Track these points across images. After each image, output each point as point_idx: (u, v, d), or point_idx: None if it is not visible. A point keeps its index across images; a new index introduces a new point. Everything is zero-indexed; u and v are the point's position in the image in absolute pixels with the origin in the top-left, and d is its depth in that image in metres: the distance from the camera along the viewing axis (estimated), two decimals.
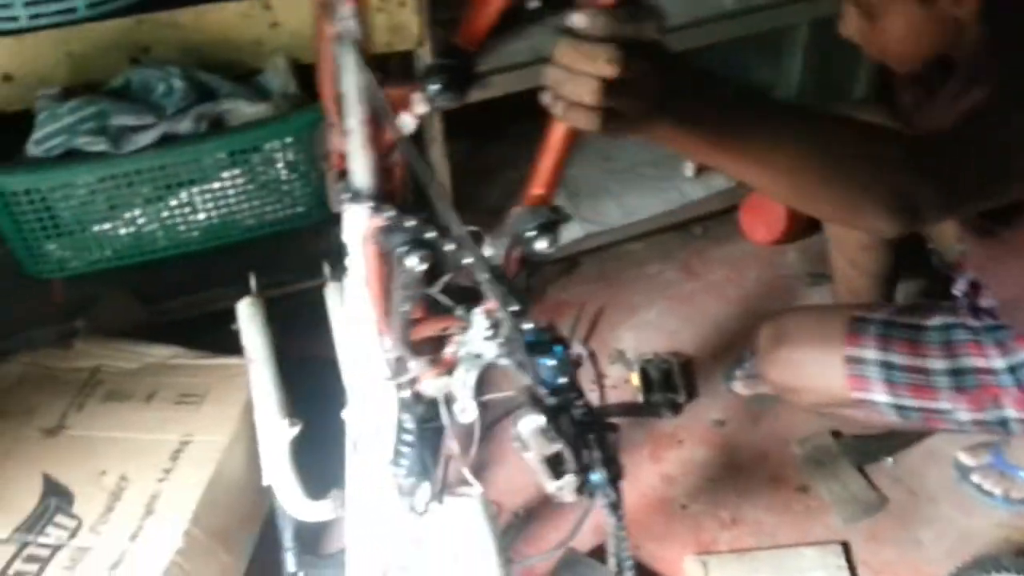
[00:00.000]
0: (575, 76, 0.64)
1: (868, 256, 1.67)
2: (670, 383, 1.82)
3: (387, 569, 1.16)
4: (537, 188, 0.75)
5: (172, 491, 1.38)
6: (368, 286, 0.81)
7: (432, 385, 0.90)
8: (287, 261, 1.92)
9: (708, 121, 0.71)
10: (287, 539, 1.44)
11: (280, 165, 1.71)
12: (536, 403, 0.73)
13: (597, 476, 0.77)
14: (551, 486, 0.79)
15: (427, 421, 0.99)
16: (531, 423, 0.74)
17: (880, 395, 1.34)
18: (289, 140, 1.68)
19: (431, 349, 0.90)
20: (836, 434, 1.72)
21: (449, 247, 0.72)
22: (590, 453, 0.76)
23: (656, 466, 1.70)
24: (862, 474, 1.65)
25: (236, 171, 1.68)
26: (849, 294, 1.74)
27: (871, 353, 1.34)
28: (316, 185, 1.75)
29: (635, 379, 1.82)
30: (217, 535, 1.38)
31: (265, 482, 1.41)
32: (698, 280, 2.16)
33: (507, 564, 0.95)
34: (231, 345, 1.63)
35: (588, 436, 0.75)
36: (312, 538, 1.51)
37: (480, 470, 1.20)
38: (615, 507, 0.80)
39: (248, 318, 1.63)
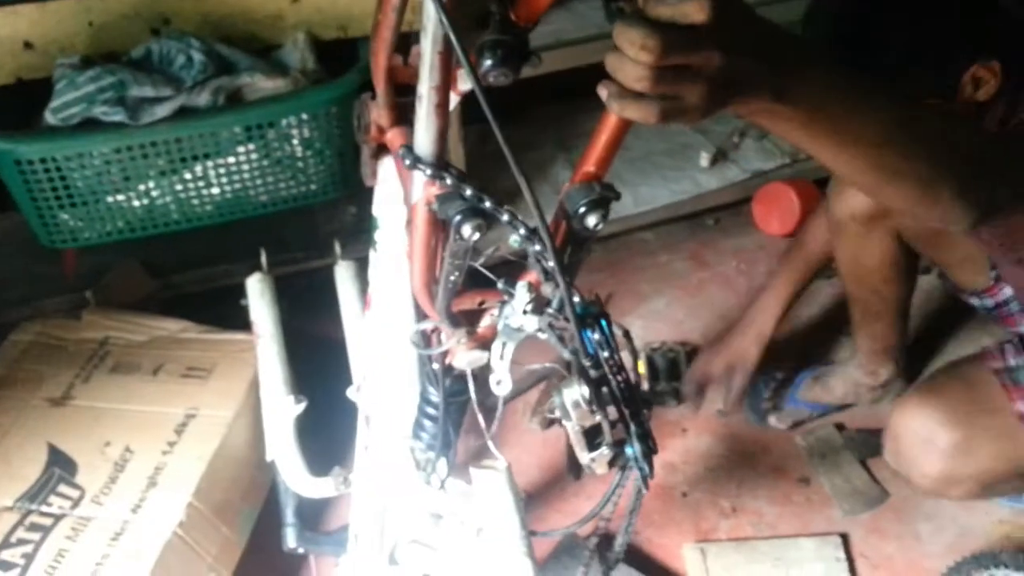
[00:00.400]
0: (625, 62, 0.59)
1: (890, 287, 1.59)
2: (676, 372, 1.82)
3: (397, 543, 1.16)
4: (589, 165, 0.75)
5: (176, 464, 1.38)
6: (410, 256, 0.82)
7: (464, 358, 0.90)
8: (298, 239, 1.93)
9: (800, 97, 0.66)
10: (288, 515, 1.44)
11: (296, 142, 1.71)
12: (581, 374, 0.74)
13: (632, 449, 0.78)
14: (585, 457, 0.80)
15: (452, 395, 0.99)
16: (574, 394, 0.75)
17: None
18: (305, 117, 1.67)
19: (464, 322, 0.90)
20: (840, 427, 1.73)
21: (504, 217, 0.72)
22: (627, 427, 0.77)
23: (658, 453, 1.70)
24: (864, 468, 1.65)
25: (251, 146, 1.68)
26: (870, 316, 1.65)
27: None
28: (331, 162, 1.76)
29: (641, 367, 1.82)
30: (219, 509, 1.38)
31: (269, 458, 1.41)
32: (708, 270, 2.15)
33: (529, 537, 0.96)
34: (239, 320, 1.64)
35: (625, 410, 0.76)
36: (313, 515, 1.51)
37: (485, 449, 1.21)
38: (646, 482, 0.81)
39: (257, 294, 1.64)
